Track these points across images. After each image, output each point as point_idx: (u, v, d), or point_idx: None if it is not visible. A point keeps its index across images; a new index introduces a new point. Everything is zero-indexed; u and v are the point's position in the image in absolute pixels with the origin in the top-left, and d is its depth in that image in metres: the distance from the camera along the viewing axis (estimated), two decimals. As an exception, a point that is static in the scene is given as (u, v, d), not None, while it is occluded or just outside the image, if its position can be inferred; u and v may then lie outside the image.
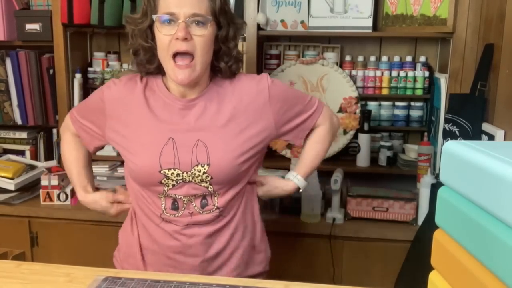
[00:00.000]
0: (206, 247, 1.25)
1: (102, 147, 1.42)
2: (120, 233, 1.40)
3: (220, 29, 1.23)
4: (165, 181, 1.21)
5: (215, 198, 1.24)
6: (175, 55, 1.17)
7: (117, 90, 1.29)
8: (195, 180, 1.21)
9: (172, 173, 1.21)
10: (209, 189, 1.22)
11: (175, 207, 1.23)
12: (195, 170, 1.20)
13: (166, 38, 1.17)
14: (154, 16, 1.19)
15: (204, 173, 1.20)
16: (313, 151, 1.41)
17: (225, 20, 1.23)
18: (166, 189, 1.22)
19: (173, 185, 1.22)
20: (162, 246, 1.27)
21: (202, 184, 1.22)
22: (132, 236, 1.33)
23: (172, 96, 1.26)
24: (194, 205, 1.23)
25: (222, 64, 1.26)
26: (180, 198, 1.23)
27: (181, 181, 1.21)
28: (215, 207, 1.24)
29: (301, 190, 1.42)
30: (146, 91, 1.28)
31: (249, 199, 1.33)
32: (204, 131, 1.23)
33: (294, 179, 1.40)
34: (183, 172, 1.21)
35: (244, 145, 1.24)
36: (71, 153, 1.45)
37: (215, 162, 1.20)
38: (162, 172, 1.21)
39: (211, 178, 1.21)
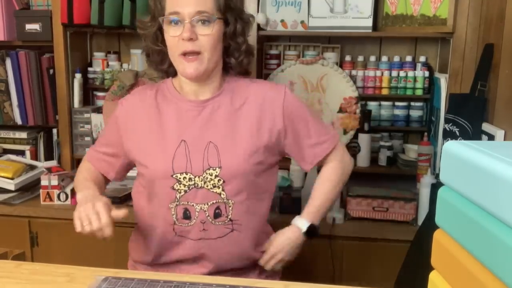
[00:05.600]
0: (217, 258, 1.25)
1: (124, 170, 1.36)
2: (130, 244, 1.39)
3: (228, 25, 1.23)
4: (177, 186, 1.20)
5: (229, 208, 1.22)
6: (184, 54, 1.19)
7: (128, 103, 1.31)
8: (207, 186, 1.20)
9: (184, 177, 1.20)
10: (222, 195, 1.21)
11: (187, 216, 1.22)
12: (206, 174, 1.20)
13: (173, 39, 1.19)
14: (160, 19, 1.20)
15: (216, 176, 1.20)
16: (320, 190, 1.36)
17: (232, 16, 1.23)
18: (178, 196, 1.21)
19: (185, 191, 1.21)
20: (172, 258, 1.27)
21: (215, 190, 1.20)
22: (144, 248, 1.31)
23: (184, 98, 1.26)
24: (207, 215, 1.21)
25: (232, 60, 1.27)
26: (192, 205, 1.21)
27: (193, 186, 1.20)
28: (228, 219, 1.23)
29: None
30: (158, 97, 1.29)
31: (265, 220, 1.33)
32: (215, 132, 1.22)
33: (297, 223, 1.33)
34: (195, 177, 1.20)
35: (255, 148, 1.23)
36: (81, 173, 1.36)
37: (226, 164, 1.20)
38: (174, 176, 1.20)
39: (223, 181, 1.20)
